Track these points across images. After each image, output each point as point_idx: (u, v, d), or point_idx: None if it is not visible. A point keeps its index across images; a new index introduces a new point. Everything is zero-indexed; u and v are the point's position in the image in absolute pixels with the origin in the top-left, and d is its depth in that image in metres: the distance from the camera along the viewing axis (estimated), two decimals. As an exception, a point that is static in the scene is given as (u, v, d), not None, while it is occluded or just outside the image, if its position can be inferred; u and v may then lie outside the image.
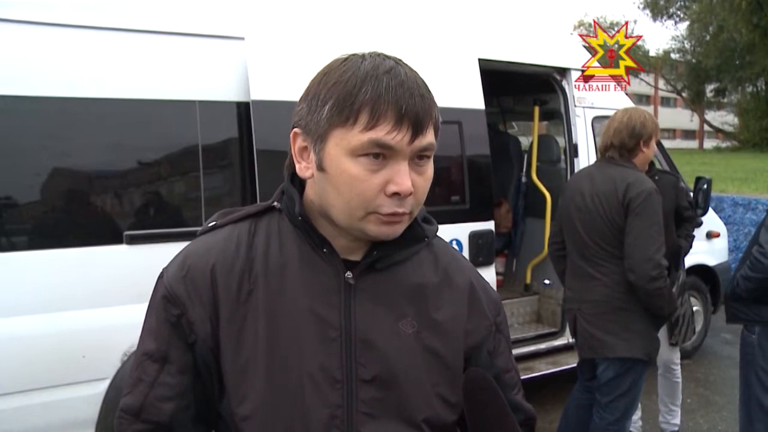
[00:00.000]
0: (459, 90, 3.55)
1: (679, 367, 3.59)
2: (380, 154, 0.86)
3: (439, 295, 1.00)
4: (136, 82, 2.68)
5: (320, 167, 0.90)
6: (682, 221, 3.52)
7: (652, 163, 3.36)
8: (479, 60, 3.67)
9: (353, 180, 0.87)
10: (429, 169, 0.92)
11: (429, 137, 0.89)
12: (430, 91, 0.90)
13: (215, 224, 1.00)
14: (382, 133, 0.85)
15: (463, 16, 3.99)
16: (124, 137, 2.69)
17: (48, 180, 2.55)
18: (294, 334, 0.92)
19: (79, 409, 2.54)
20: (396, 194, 0.87)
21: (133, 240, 2.62)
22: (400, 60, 0.91)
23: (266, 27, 3.03)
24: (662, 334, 3.40)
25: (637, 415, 3.59)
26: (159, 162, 2.79)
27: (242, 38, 2.89)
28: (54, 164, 2.56)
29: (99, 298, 2.55)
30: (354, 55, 0.91)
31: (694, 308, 4.52)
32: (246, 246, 0.96)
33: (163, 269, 0.97)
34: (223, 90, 2.87)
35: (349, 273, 0.94)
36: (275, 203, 1.00)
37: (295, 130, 0.93)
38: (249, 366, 0.91)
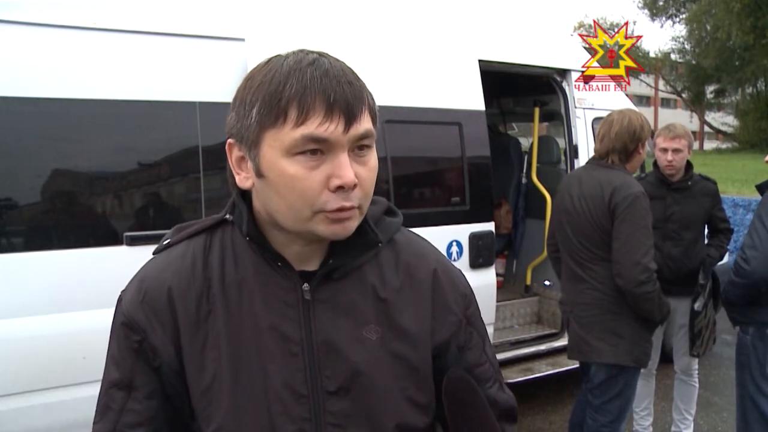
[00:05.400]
0: (459, 91, 3.55)
1: (697, 372, 3.54)
2: (317, 149, 0.83)
3: (400, 298, 0.97)
4: (137, 84, 2.68)
5: (259, 173, 0.87)
6: (717, 232, 3.47)
7: (691, 166, 3.35)
8: (479, 61, 3.67)
9: (293, 180, 0.83)
10: (372, 159, 0.88)
11: (365, 124, 0.85)
12: (359, 78, 0.87)
13: (169, 242, 0.98)
14: (314, 126, 0.81)
15: (463, 17, 3.99)
16: (125, 138, 2.69)
17: (48, 181, 2.54)
18: (256, 351, 0.90)
19: (79, 410, 2.53)
20: (340, 188, 0.83)
21: (133, 241, 2.62)
22: (324, 53, 0.88)
23: (266, 28, 3.03)
24: (684, 343, 3.39)
25: (647, 422, 3.58)
26: (159, 163, 2.79)
27: (242, 39, 2.90)
28: (54, 165, 2.56)
29: (99, 299, 2.54)
30: (276, 56, 0.88)
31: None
32: (201, 264, 0.94)
33: (121, 293, 0.96)
34: (224, 91, 2.87)
35: (306, 285, 0.92)
36: (227, 216, 0.97)
37: (229, 140, 0.90)
38: (213, 386, 0.90)
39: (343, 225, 0.86)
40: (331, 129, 0.81)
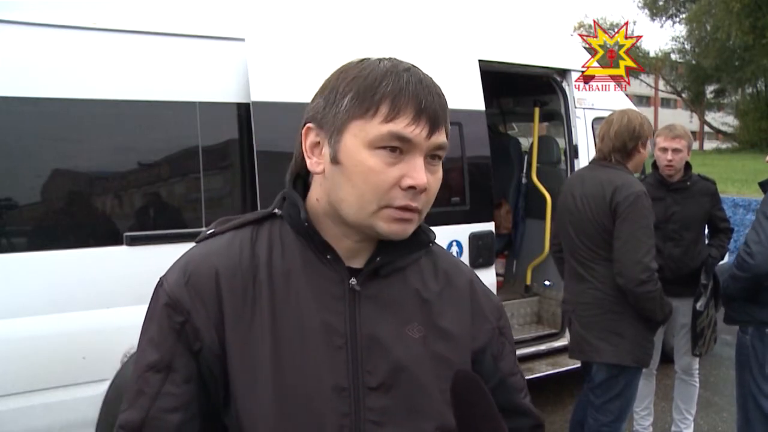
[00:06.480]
0: (459, 91, 3.54)
1: (697, 371, 3.54)
2: (397, 148, 0.87)
3: (442, 301, 1.00)
4: (137, 84, 2.68)
5: (335, 160, 0.89)
6: (718, 231, 3.48)
7: (690, 166, 3.36)
8: (479, 61, 3.67)
9: (369, 172, 0.87)
10: (440, 170, 0.93)
11: (443, 136, 0.90)
12: (444, 95, 0.92)
13: (214, 231, 0.99)
14: (402, 125, 0.85)
15: (463, 17, 3.99)
16: (125, 138, 2.69)
17: (48, 181, 2.54)
18: (299, 341, 0.91)
19: (79, 410, 2.54)
20: (411, 188, 0.87)
21: (133, 241, 2.62)
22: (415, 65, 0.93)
23: (267, 28, 3.03)
24: (685, 343, 3.40)
25: (647, 422, 3.58)
26: (159, 163, 2.79)
27: (242, 39, 2.90)
28: (54, 165, 2.56)
29: (99, 299, 2.55)
30: (368, 57, 0.93)
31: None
32: (249, 253, 0.94)
33: (162, 278, 0.94)
34: (224, 91, 2.87)
35: (353, 279, 0.93)
36: (276, 210, 0.98)
37: (309, 125, 0.93)
38: (255, 374, 0.90)
39: (403, 226, 0.90)
40: (417, 132, 0.86)
